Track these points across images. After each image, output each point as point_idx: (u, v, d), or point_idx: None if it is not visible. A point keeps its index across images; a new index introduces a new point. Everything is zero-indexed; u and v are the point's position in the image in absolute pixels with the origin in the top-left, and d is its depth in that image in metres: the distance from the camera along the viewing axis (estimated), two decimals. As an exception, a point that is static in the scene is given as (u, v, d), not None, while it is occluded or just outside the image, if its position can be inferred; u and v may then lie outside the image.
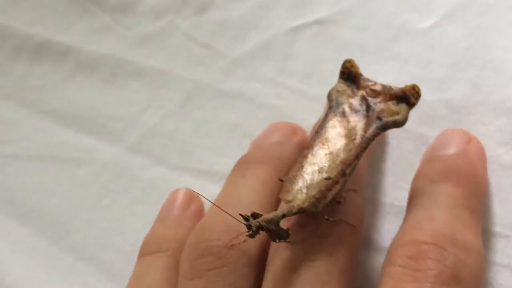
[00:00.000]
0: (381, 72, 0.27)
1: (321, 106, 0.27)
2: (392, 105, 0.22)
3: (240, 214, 0.19)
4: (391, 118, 0.21)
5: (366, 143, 0.21)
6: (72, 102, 0.35)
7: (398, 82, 0.26)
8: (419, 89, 0.22)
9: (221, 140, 0.30)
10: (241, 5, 0.32)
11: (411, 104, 0.22)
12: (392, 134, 0.26)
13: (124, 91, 0.34)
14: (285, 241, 0.19)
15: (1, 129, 0.37)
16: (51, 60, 0.37)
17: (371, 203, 0.25)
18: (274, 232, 0.19)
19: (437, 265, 0.18)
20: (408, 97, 0.22)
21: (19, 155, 0.35)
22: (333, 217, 0.20)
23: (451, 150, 0.23)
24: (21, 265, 0.32)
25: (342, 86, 0.23)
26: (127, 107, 0.34)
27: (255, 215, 0.19)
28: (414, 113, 0.25)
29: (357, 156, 0.21)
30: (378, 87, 0.22)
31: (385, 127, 0.21)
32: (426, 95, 0.25)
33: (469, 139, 0.23)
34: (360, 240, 0.24)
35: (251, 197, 0.23)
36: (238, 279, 0.20)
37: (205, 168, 0.30)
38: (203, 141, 0.30)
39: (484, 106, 0.24)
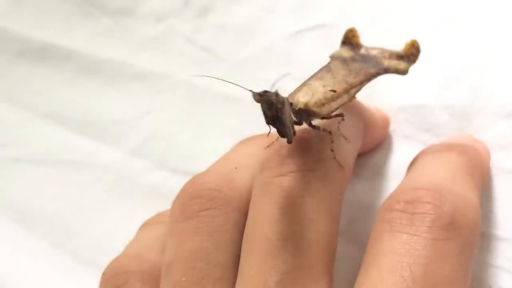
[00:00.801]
0: (381, 78, 0.27)
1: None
2: (395, 60, 0.22)
3: (251, 90, 0.18)
4: (393, 65, 0.22)
5: (370, 76, 0.21)
6: (73, 106, 0.35)
7: (398, 88, 0.26)
8: (418, 45, 0.22)
9: (223, 144, 0.30)
10: (242, 9, 0.32)
11: (411, 61, 0.22)
12: (395, 140, 0.26)
13: (125, 95, 0.34)
14: (289, 140, 0.19)
15: (2, 132, 0.37)
16: (53, 63, 0.37)
17: (372, 207, 0.25)
18: (287, 113, 0.18)
19: (435, 209, 0.18)
20: (408, 57, 0.22)
21: (20, 158, 0.35)
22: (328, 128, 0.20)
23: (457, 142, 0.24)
24: (21, 268, 0.32)
25: (344, 49, 0.23)
26: (128, 110, 0.34)
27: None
28: (416, 119, 0.26)
29: (361, 82, 0.21)
30: (376, 49, 0.23)
31: (387, 70, 0.22)
32: (427, 101, 0.26)
33: (475, 140, 0.24)
34: (361, 242, 0.24)
35: (250, 160, 0.22)
36: (228, 222, 0.20)
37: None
38: (204, 145, 0.31)
39: (485, 111, 0.24)
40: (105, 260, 0.31)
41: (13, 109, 0.37)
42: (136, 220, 0.31)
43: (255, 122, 0.30)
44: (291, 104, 0.19)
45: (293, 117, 0.20)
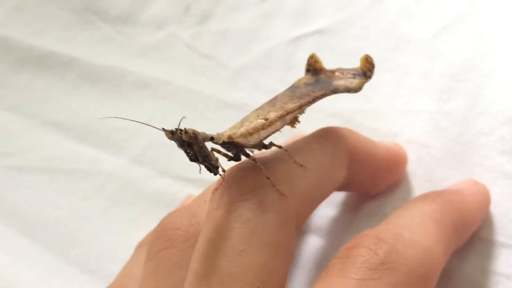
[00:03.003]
0: (382, 82, 0.27)
1: (323, 116, 0.27)
2: (349, 79, 0.22)
3: (163, 128, 0.18)
4: (342, 85, 0.22)
5: (313, 99, 0.21)
6: (75, 114, 0.36)
7: (399, 93, 0.26)
8: (371, 59, 0.22)
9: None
10: (242, 15, 0.32)
11: (367, 77, 0.22)
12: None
13: (127, 102, 0.34)
14: (214, 173, 0.19)
15: (5, 141, 0.37)
16: (54, 71, 0.37)
17: (371, 212, 0.25)
18: (199, 148, 0.18)
19: (368, 252, 0.18)
20: (364, 73, 0.22)
21: (23, 167, 0.35)
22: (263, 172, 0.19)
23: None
24: (25, 276, 0.32)
25: (306, 76, 0.24)
26: (129, 117, 0.34)
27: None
28: (416, 123, 0.26)
29: (300, 107, 0.21)
30: (336, 71, 0.23)
31: (335, 91, 0.22)
32: (427, 106, 0.26)
33: (475, 184, 0.23)
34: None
35: None
36: (183, 259, 0.20)
37: (208, 179, 0.30)
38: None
39: (485, 116, 0.24)
40: (108, 269, 0.31)
41: (15, 117, 0.37)
42: (139, 228, 0.31)
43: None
44: (212, 138, 0.19)
45: (225, 151, 0.20)
